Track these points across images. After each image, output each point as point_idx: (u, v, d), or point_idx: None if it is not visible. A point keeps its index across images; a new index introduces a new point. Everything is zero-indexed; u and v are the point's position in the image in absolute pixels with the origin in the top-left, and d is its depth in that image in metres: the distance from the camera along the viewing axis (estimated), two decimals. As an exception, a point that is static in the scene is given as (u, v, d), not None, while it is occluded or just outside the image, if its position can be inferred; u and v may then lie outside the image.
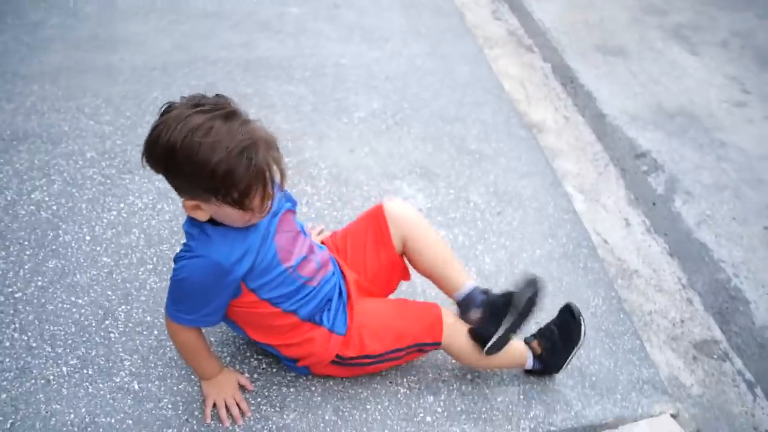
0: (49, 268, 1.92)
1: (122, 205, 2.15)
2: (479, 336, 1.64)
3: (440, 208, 2.33)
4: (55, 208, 2.11)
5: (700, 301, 2.30)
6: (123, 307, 1.84)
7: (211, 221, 1.39)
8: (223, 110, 1.27)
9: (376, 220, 1.72)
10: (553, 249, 2.25)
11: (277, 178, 1.32)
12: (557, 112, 3.14)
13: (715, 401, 2.00)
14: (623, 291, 2.26)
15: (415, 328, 1.63)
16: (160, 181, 2.24)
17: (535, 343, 1.78)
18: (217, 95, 1.32)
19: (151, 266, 1.97)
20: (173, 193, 2.17)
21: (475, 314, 1.66)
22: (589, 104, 3.17)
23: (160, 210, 2.15)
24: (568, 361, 1.76)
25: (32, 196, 2.15)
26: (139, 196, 2.19)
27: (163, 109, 1.29)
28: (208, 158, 1.22)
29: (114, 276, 1.92)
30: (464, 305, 1.70)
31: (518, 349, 1.76)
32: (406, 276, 1.80)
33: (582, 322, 1.73)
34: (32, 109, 2.51)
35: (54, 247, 1.99)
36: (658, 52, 3.61)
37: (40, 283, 1.88)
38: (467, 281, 1.71)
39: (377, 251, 1.72)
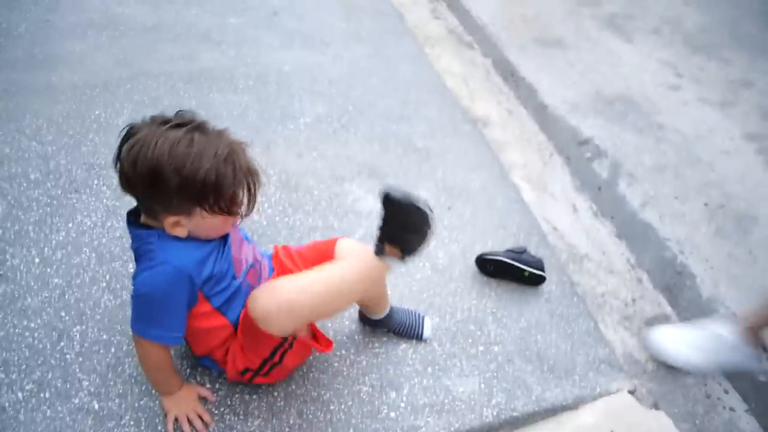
0: (-2, 294, 1.89)
1: (71, 225, 2.12)
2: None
3: (392, 207, 2.35)
4: (0, 232, 2.07)
5: (648, 279, 2.37)
6: (78, 327, 1.82)
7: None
8: (194, 123, 1.31)
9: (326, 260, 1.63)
10: (504, 239, 2.30)
11: (258, 181, 1.37)
12: (500, 106, 3.20)
13: (670, 374, 2.06)
14: (575, 275, 2.32)
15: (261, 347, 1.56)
16: (108, 199, 2.22)
17: (390, 249, 1.49)
18: (178, 112, 1.35)
19: (104, 284, 1.94)
20: (122, 210, 2.17)
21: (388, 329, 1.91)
22: (530, 96, 3.24)
23: (110, 227, 2.12)
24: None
25: (-24, 222, 2.11)
26: (88, 215, 2.16)
27: (125, 131, 1.31)
28: (197, 168, 1.26)
29: (66, 297, 1.90)
30: (374, 323, 1.90)
31: (380, 265, 1.53)
32: None
33: (420, 206, 1.44)
34: (-30, 134, 2.46)
35: (1, 272, 1.95)
36: (593, 41, 3.71)
37: (-11, 310, 1.84)
38: (385, 310, 1.86)
39: None
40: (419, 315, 1.94)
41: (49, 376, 1.69)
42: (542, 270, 2.11)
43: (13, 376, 1.68)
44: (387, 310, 1.87)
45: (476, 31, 3.79)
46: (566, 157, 2.90)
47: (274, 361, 1.59)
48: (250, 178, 1.35)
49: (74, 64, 2.92)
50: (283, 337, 1.52)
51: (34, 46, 3.00)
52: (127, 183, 1.31)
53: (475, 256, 2.17)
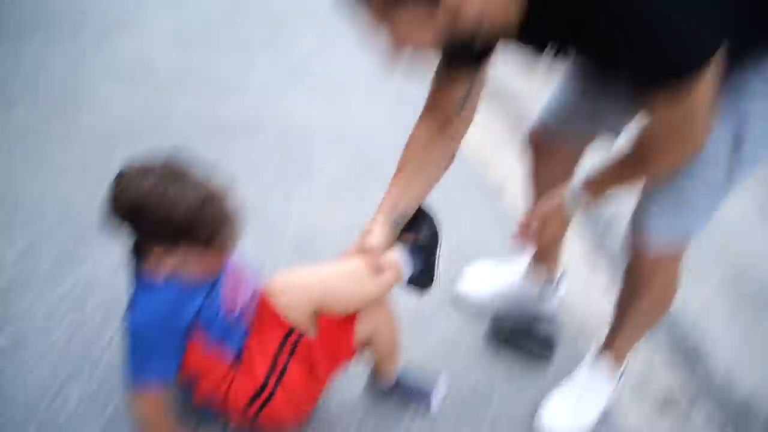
0: None
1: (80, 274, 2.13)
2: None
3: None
4: (9, 277, 2.08)
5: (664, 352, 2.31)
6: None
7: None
8: (174, 168, 1.36)
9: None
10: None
11: (234, 224, 1.42)
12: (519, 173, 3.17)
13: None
14: (585, 347, 2.26)
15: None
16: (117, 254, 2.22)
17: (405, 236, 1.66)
18: (167, 156, 1.40)
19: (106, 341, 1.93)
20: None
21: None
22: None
23: (119, 280, 2.12)
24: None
25: None
26: (97, 267, 2.17)
27: (117, 174, 1.37)
28: (170, 215, 1.32)
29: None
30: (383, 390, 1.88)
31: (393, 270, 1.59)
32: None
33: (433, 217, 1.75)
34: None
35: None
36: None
37: None
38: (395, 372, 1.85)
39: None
40: (429, 384, 1.90)
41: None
42: (552, 346, 2.10)
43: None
44: (396, 376, 1.85)
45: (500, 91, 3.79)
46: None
47: (283, 361, 1.54)
48: (224, 225, 1.40)
49: (99, 108, 2.98)
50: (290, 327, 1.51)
51: (64, 89, 3.07)
52: (111, 222, 1.39)
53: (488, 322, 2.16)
